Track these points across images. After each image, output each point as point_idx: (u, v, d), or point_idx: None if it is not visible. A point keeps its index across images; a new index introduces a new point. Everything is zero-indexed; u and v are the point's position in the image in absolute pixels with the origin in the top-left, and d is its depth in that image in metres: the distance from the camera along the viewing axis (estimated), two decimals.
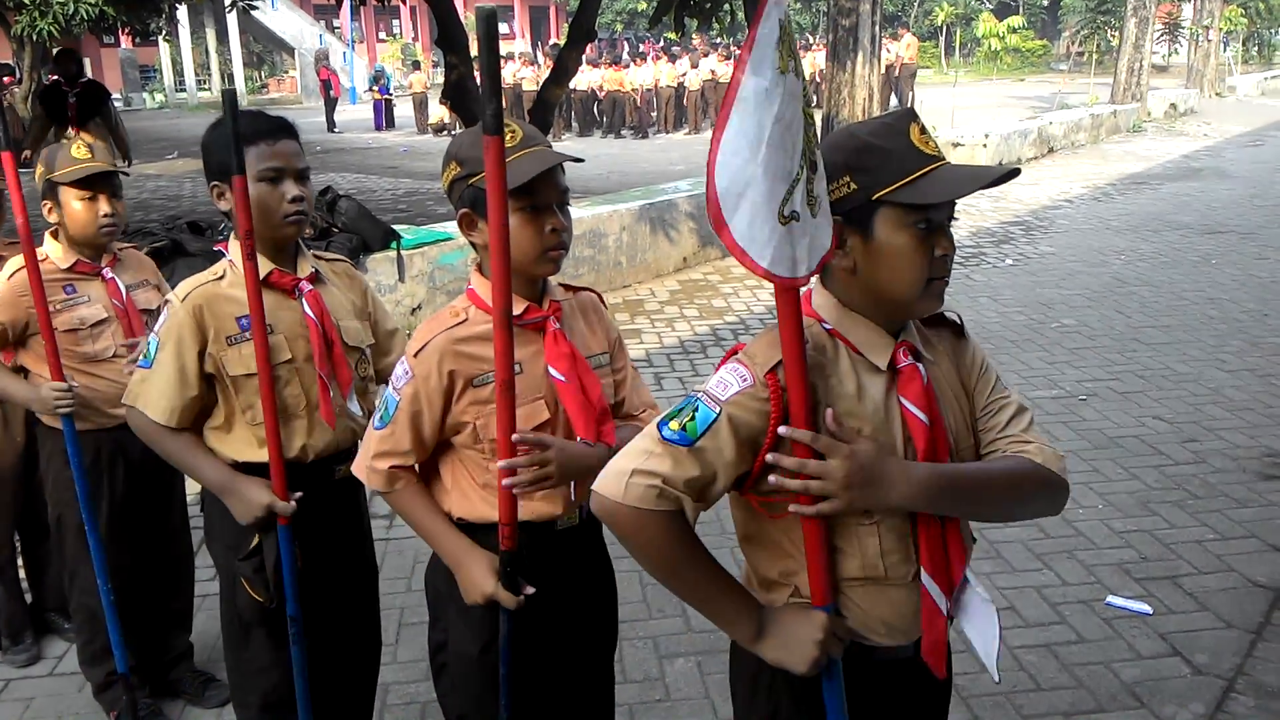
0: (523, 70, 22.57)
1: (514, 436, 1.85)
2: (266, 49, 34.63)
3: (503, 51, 24.72)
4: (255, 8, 11.62)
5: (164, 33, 17.94)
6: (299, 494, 2.35)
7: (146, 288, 3.09)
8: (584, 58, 9.83)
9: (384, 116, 23.74)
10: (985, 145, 14.64)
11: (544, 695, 2.12)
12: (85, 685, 3.41)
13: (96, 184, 2.86)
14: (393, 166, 17.06)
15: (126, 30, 13.92)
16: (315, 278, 2.44)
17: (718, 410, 1.51)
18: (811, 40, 26.68)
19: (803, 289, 1.48)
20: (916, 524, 1.58)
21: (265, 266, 2.31)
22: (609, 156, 17.47)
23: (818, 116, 19.48)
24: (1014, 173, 1.52)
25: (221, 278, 2.37)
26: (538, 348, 1.99)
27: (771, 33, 1.38)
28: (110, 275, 2.99)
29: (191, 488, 3.23)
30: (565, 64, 8.63)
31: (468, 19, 11.46)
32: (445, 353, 1.95)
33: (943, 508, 1.57)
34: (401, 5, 9.33)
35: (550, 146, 1.98)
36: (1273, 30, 39.53)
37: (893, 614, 1.62)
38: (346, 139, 21.64)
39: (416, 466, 2.08)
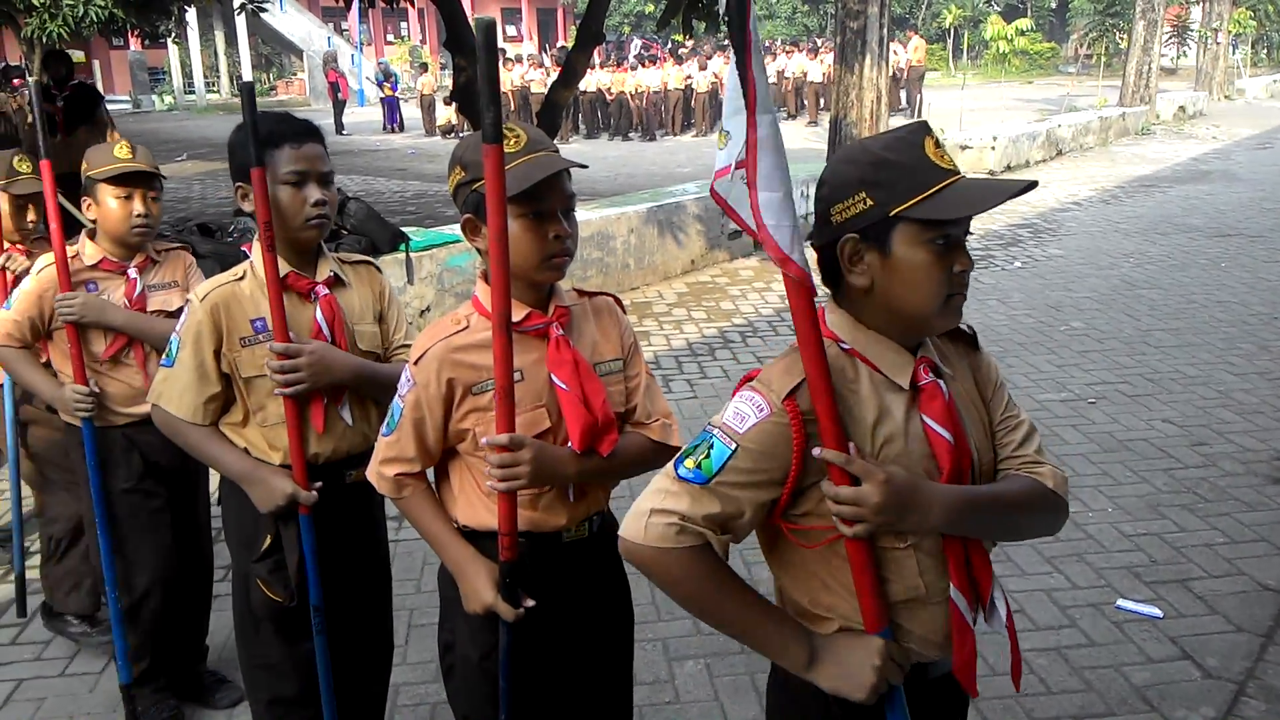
0: (531, 72, 22.61)
1: (482, 440, 1.88)
2: (275, 51, 34.74)
3: (510, 54, 24.78)
4: (264, 10, 11.66)
5: (173, 35, 17.96)
6: (319, 484, 2.37)
7: (172, 289, 3.09)
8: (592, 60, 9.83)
9: (394, 115, 23.79)
10: (993, 148, 14.63)
11: (550, 706, 2.11)
12: (97, 684, 3.44)
13: (134, 183, 2.91)
14: (401, 169, 17.10)
15: (136, 33, 13.97)
16: (334, 281, 2.45)
17: (734, 446, 1.49)
18: (819, 43, 26.65)
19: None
20: (943, 541, 1.58)
21: (282, 268, 2.32)
22: (616, 159, 17.49)
23: (825, 119, 19.47)
24: (1031, 185, 1.51)
25: (241, 279, 2.39)
26: (540, 354, 1.97)
27: (761, 71, 1.44)
28: (133, 275, 3.01)
29: (212, 485, 3.26)
30: (573, 66, 8.65)
31: (475, 20, 11.47)
32: (444, 361, 1.95)
33: (965, 529, 1.57)
34: (410, 7, 9.36)
35: (557, 151, 1.97)
36: None
37: (935, 630, 1.61)
38: (355, 141, 21.69)
39: (426, 473, 2.08)
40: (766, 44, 30.17)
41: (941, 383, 1.58)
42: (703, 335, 7.35)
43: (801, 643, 1.56)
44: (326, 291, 2.41)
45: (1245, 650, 3.46)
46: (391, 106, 23.93)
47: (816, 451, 1.47)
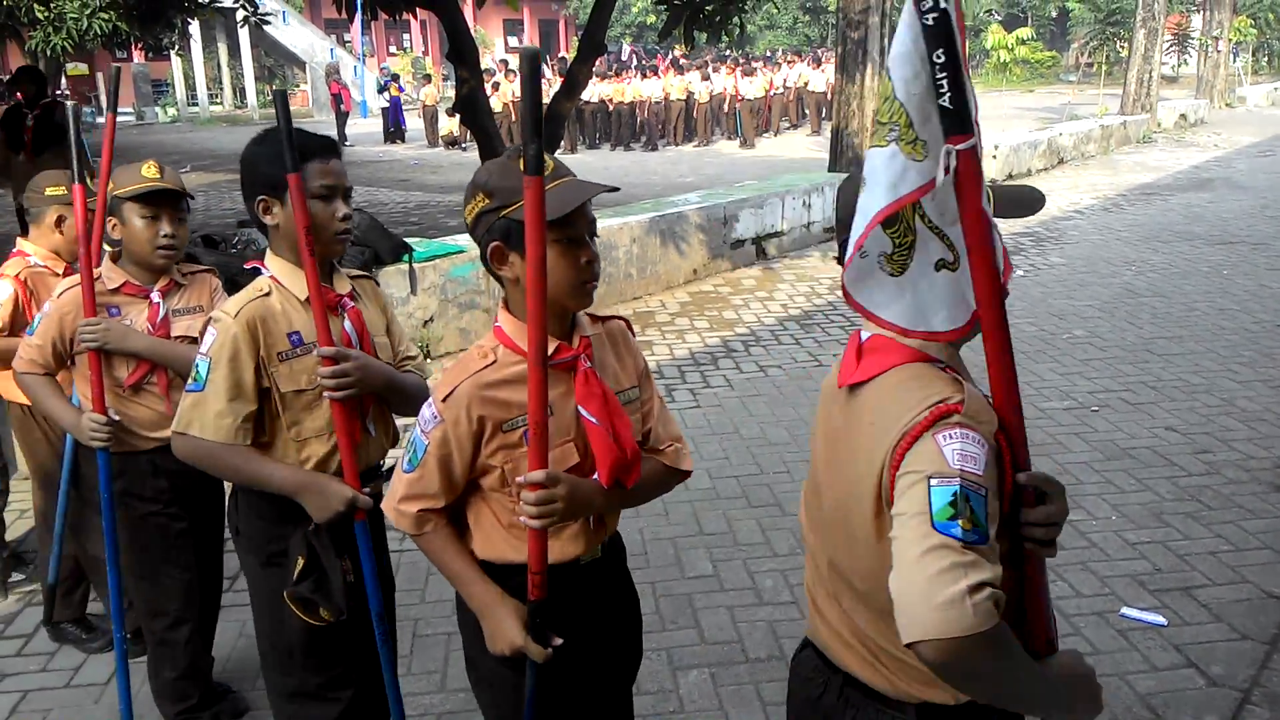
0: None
1: (518, 479, 1.85)
2: (278, 63, 34.80)
3: (512, 66, 24.84)
4: (267, 23, 11.71)
5: (176, 47, 18.05)
6: (369, 488, 2.38)
7: (197, 314, 3.01)
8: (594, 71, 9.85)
9: (399, 116, 23.90)
10: (994, 156, 14.64)
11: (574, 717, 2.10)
12: (102, 696, 3.44)
13: (161, 203, 2.85)
14: (404, 179, 17.14)
15: (139, 45, 14.02)
16: (354, 295, 2.46)
17: (984, 492, 1.35)
18: (820, 55, 26.69)
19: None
20: None
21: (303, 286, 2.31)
22: (619, 169, 17.52)
23: (827, 128, 19.49)
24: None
25: (268, 294, 2.34)
26: (568, 387, 1.93)
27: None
28: (155, 299, 2.95)
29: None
30: (575, 77, 8.67)
31: (478, 32, 11.51)
32: (474, 398, 1.89)
33: None
34: (412, 19, 9.39)
35: (575, 176, 1.93)
36: None
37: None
38: (358, 152, 21.73)
39: (446, 508, 2.02)
40: (769, 54, 30.22)
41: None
42: (705, 345, 7.36)
43: (1087, 686, 1.56)
44: (352, 304, 2.42)
45: (1250, 658, 3.46)
46: (396, 106, 23.98)
47: (1022, 477, 1.42)
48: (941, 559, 1.30)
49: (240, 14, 11.13)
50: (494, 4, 11.62)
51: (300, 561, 2.35)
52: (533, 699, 1.96)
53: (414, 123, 24.82)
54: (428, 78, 25.52)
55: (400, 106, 24.09)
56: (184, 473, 2.80)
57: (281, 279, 2.34)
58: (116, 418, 2.87)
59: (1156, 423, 5.61)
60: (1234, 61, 29.31)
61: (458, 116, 8.73)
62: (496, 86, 21.17)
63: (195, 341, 2.81)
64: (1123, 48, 28.22)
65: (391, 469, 2.10)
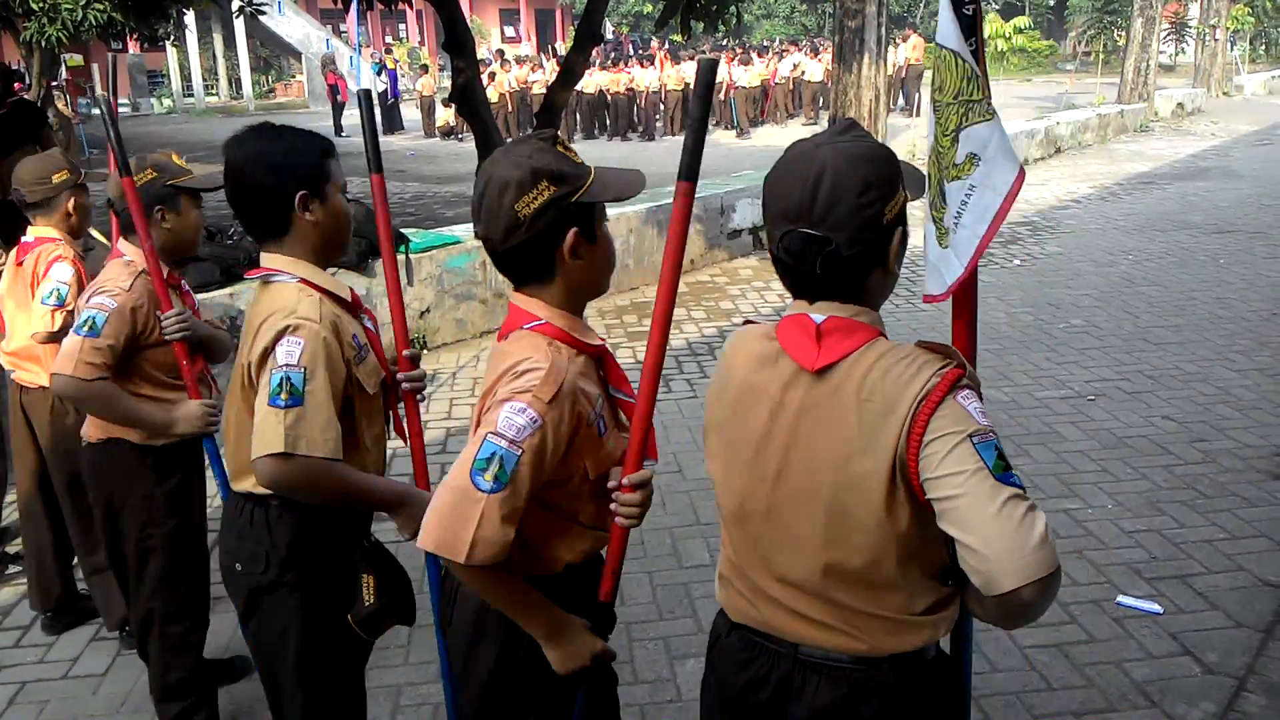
0: (534, 75, 22.63)
1: (625, 479, 1.76)
2: (274, 54, 34.72)
3: (508, 55, 24.79)
4: (262, 13, 11.65)
5: (171, 38, 17.96)
6: None
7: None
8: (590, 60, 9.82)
9: (394, 88, 23.97)
10: None
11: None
12: (100, 687, 3.44)
13: (197, 195, 2.93)
14: (400, 170, 17.10)
15: (135, 36, 13.95)
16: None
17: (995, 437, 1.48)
18: (818, 44, 26.64)
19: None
20: None
21: (343, 288, 2.29)
22: (616, 159, 17.48)
23: (824, 118, 19.44)
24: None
25: (314, 297, 2.21)
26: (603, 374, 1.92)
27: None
28: (186, 287, 3.01)
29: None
30: (572, 67, 8.65)
31: (474, 22, 11.47)
32: (574, 395, 1.77)
33: None
34: (408, 9, 9.36)
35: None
36: None
37: None
38: (354, 143, 21.62)
39: None
40: (765, 43, 30.15)
41: None
42: (702, 335, 7.36)
43: None
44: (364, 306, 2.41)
45: (1245, 646, 3.47)
46: (393, 79, 24.06)
47: None
48: (1018, 507, 1.40)
49: (235, 4, 11.06)
50: None
51: (369, 580, 2.25)
52: (582, 707, 1.93)
53: (410, 113, 24.77)
54: (424, 68, 25.41)
55: (396, 79, 24.17)
56: (201, 465, 2.81)
57: (315, 281, 2.22)
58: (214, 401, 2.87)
59: (1153, 411, 5.61)
60: (1231, 50, 29.24)
61: (454, 107, 8.70)
62: (493, 77, 21.13)
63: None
64: (1120, 36, 28.17)
65: None
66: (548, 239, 1.79)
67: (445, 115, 21.68)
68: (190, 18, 19.04)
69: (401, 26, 40.13)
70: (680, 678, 3.38)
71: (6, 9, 11.06)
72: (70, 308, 3.27)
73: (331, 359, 2.12)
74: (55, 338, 3.23)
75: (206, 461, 3.00)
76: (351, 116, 25.47)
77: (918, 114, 20.85)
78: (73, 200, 3.47)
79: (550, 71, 21.15)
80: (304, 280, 2.21)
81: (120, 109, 29.44)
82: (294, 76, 34.17)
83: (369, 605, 2.24)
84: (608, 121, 22.64)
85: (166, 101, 31.85)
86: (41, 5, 10.46)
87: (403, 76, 25.68)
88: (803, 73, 23.40)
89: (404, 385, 2.40)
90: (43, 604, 3.78)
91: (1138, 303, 7.87)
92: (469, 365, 6.80)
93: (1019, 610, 1.45)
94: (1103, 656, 3.44)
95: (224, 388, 2.48)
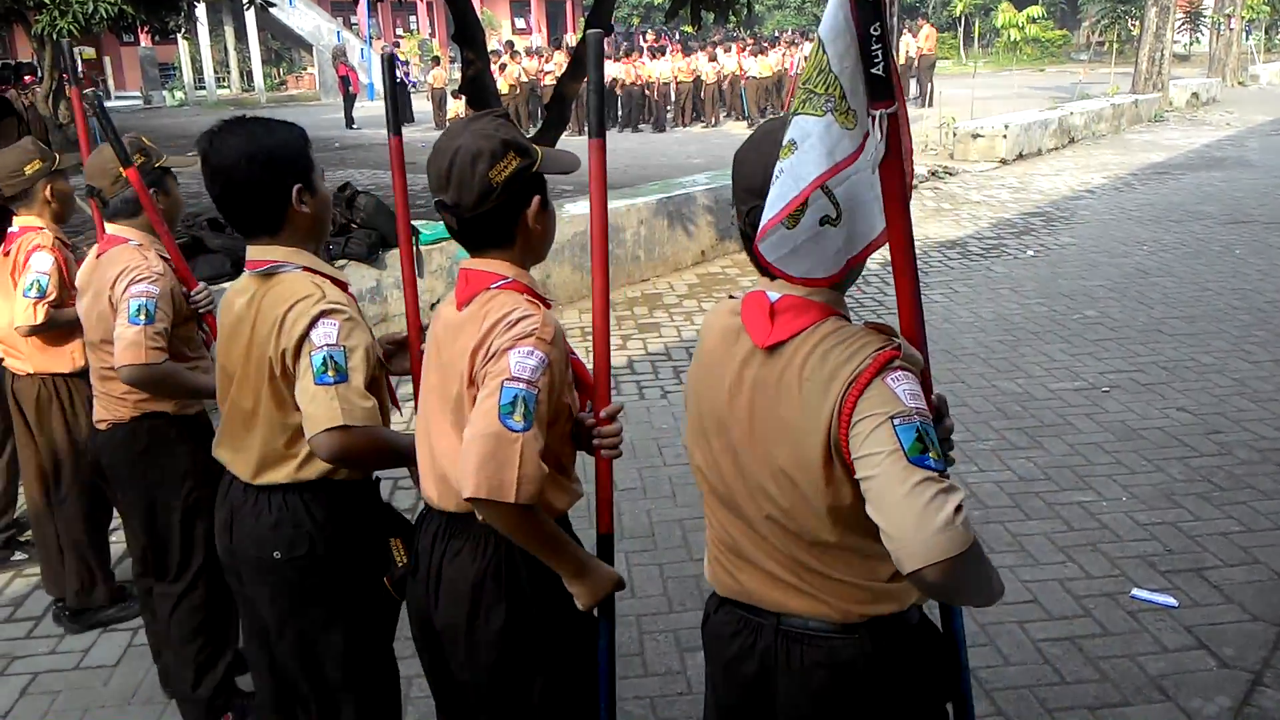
0: (547, 65, 22.61)
1: (601, 411, 1.99)
2: (285, 46, 34.73)
3: (518, 46, 24.76)
4: (273, 5, 11.65)
5: (183, 31, 17.98)
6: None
7: None
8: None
9: (408, 75, 24.15)
10: (1005, 136, 14.56)
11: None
12: (111, 678, 3.44)
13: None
14: (411, 162, 16.93)
15: (145, 29, 13.95)
16: None
17: (932, 422, 1.49)
18: None
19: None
20: None
21: (341, 274, 2.34)
22: (626, 150, 17.45)
23: None
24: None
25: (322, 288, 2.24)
26: None
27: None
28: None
29: None
30: (582, 58, 8.63)
31: (484, 14, 11.46)
32: (563, 337, 1.94)
33: None
34: (418, 1, 9.33)
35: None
36: None
37: None
38: (365, 135, 21.69)
39: None
40: (777, 34, 30.05)
41: None
42: None
43: None
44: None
45: (1262, 640, 3.44)
46: (402, 69, 24.23)
47: (935, 398, 1.61)
48: (927, 490, 1.41)
49: None
50: None
51: (396, 543, 2.32)
52: (609, 633, 2.06)
53: (421, 105, 24.77)
54: (436, 60, 25.39)
55: (406, 69, 24.31)
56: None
57: (319, 269, 2.27)
58: None
59: (1168, 403, 5.57)
60: (1247, 39, 29.06)
61: (464, 99, 8.70)
62: (503, 68, 21.11)
63: None
64: (1134, 26, 28.02)
65: None
66: (514, 205, 1.93)
67: (456, 107, 21.65)
68: (201, 10, 19.03)
69: (412, 18, 40.13)
70: (691, 670, 3.37)
71: (18, 2, 11.09)
72: (51, 298, 3.34)
73: (369, 340, 2.21)
74: (38, 330, 3.33)
75: None
76: (362, 109, 25.56)
77: (929, 104, 20.76)
78: (49, 188, 3.50)
79: (560, 63, 21.11)
80: (307, 269, 2.24)
81: (132, 102, 29.57)
82: (305, 69, 34.18)
83: (401, 566, 2.31)
84: (618, 113, 22.59)
85: (178, 94, 31.90)
86: None
87: (412, 68, 25.73)
88: None
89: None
90: (57, 590, 3.79)
91: (1152, 294, 7.82)
92: None
93: (930, 591, 1.47)
94: (1117, 650, 3.41)
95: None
